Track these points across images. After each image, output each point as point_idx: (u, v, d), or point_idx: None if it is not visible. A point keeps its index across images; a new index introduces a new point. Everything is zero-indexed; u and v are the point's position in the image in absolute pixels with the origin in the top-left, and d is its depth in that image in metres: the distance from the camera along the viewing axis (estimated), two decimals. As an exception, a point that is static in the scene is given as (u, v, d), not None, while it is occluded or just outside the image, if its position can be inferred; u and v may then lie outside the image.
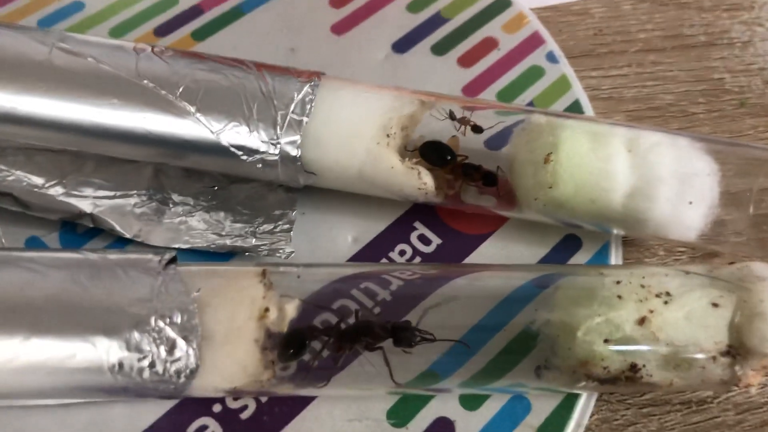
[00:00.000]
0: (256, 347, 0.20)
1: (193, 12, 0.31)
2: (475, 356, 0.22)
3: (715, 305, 0.21)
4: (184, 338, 0.20)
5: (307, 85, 0.24)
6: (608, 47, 0.33)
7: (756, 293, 0.21)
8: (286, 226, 0.26)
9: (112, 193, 0.26)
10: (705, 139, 0.25)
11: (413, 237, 0.26)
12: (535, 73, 0.30)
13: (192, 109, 0.24)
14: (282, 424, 0.22)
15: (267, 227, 0.25)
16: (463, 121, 0.25)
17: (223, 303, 0.20)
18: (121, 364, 0.20)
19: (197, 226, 0.25)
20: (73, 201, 0.25)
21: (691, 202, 0.23)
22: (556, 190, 0.23)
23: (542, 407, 0.23)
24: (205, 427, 0.22)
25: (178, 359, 0.20)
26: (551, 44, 0.31)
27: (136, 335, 0.20)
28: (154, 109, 0.24)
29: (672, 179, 0.23)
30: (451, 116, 0.24)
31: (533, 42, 0.31)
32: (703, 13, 0.34)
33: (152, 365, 0.20)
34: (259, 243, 0.25)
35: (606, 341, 0.21)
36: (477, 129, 0.25)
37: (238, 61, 0.25)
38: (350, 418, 0.23)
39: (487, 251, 0.26)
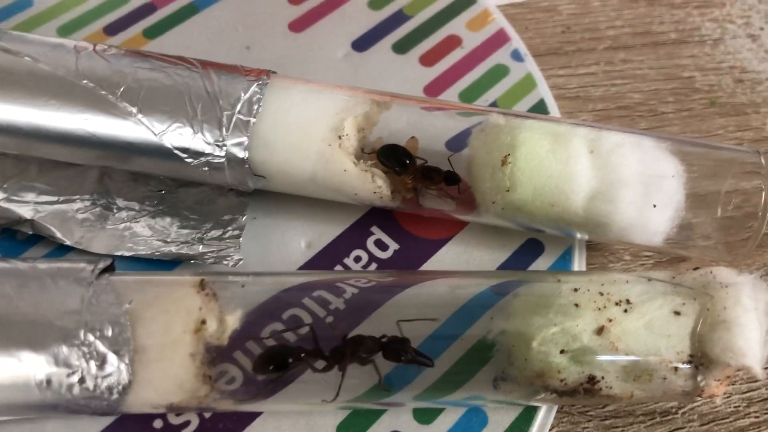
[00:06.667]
0: (192, 362, 0.19)
1: (146, 9, 0.30)
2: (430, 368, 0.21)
3: (677, 313, 0.20)
4: (116, 352, 0.19)
5: (255, 84, 0.23)
6: (576, 45, 0.32)
7: (719, 300, 0.20)
8: (236, 232, 0.24)
9: (54, 198, 0.25)
10: (671, 140, 0.24)
11: (370, 242, 0.25)
12: (500, 71, 0.29)
13: (133, 109, 0.23)
14: (226, 440, 0.21)
15: (215, 233, 0.24)
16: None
17: (157, 315, 0.19)
18: (49, 380, 0.19)
19: (142, 233, 0.24)
20: (13, 207, 0.24)
21: (655, 206, 0.23)
22: (514, 193, 0.23)
23: (500, 420, 0.22)
24: (144, 444, 0.21)
25: (110, 375, 0.19)
26: (517, 42, 0.30)
27: (64, 349, 0.19)
28: (95, 110, 0.23)
29: (635, 181, 0.23)
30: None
31: (498, 40, 0.30)
32: (673, 10, 0.33)
33: (82, 381, 0.19)
34: (206, 250, 0.24)
35: (562, 352, 0.20)
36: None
37: (182, 60, 0.23)
38: (299, 434, 0.22)
39: (446, 257, 0.25)
